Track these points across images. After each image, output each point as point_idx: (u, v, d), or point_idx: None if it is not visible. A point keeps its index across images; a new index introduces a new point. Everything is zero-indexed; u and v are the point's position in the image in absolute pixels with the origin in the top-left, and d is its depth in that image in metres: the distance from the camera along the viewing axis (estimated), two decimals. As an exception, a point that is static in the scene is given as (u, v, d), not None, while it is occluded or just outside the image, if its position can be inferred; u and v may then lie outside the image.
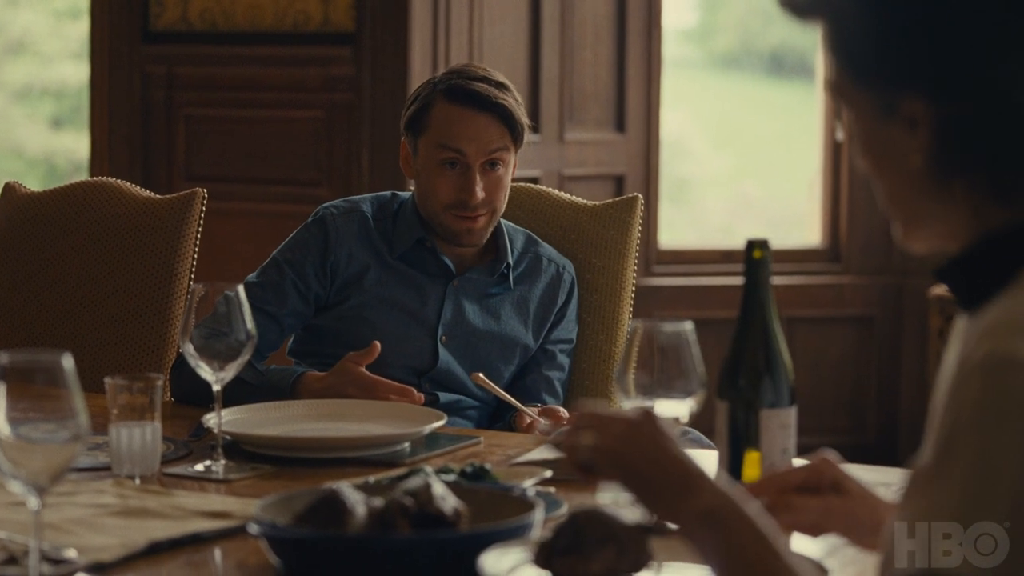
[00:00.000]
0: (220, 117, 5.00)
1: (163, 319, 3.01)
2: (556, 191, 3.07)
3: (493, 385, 2.60)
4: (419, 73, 4.71)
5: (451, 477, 1.98)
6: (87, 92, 5.20)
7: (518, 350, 2.80)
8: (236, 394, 2.41)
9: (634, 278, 2.94)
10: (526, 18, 5.04)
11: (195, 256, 3.06)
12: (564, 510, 1.86)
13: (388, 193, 2.87)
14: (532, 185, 3.10)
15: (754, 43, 6.85)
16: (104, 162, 5.07)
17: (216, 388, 2.17)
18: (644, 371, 1.77)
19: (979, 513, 1.13)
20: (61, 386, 1.50)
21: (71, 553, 1.70)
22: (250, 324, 2.16)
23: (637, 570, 1.50)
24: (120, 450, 2.10)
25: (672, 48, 5.79)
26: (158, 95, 5.04)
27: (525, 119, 2.75)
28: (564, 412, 2.52)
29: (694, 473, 1.42)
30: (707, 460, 1.58)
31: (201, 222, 3.07)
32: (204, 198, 3.08)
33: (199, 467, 2.16)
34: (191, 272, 3.05)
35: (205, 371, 2.16)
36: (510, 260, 2.80)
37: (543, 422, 2.47)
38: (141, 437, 2.10)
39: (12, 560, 1.68)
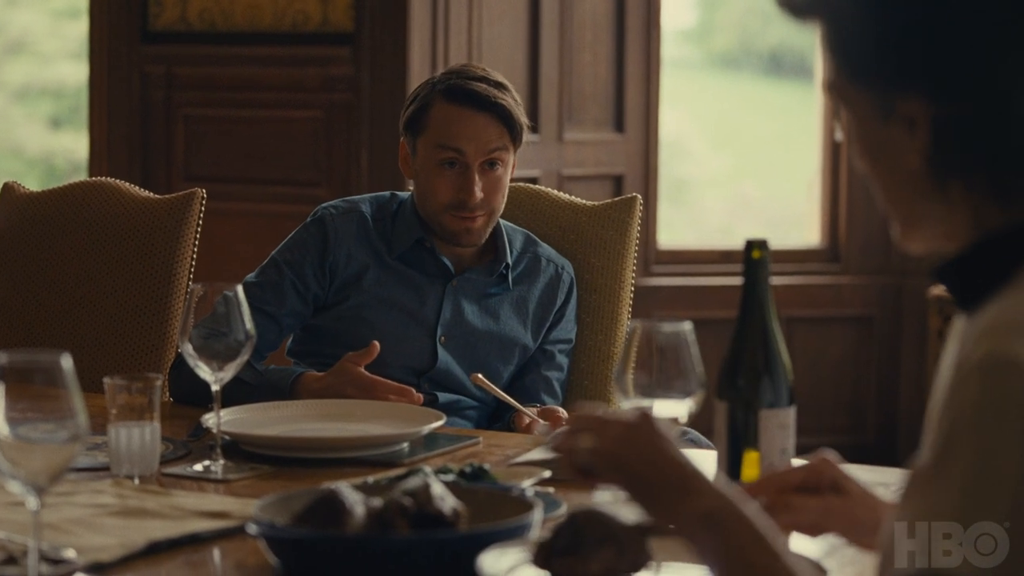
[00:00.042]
0: (219, 117, 5.00)
1: (162, 319, 3.01)
2: (555, 191, 3.07)
3: (492, 386, 2.60)
4: (418, 73, 4.71)
5: (450, 477, 1.98)
6: (86, 92, 5.20)
7: (517, 350, 2.80)
8: (235, 394, 2.41)
9: (633, 278, 2.94)
10: (525, 18, 5.04)
11: (194, 256, 3.06)
12: (563, 510, 1.86)
13: (387, 193, 2.87)
14: (531, 185, 3.10)
15: (753, 43, 6.85)
16: (103, 162, 5.07)
17: (215, 388, 2.17)
18: (643, 371, 1.77)
19: (979, 513, 1.14)
20: (60, 386, 1.50)
21: (70, 553, 1.70)
22: (249, 324, 2.16)
23: (636, 570, 1.50)
24: (119, 450, 2.10)
25: (671, 48, 5.79)
26: (157, 95, 5.04)
27: (524, 119, 2.75)
28: (563, 412, 2.52)
29: (692, 475, 1.41)
30: (706, 460, 1.58)
31: (200, 222, 3.07)
32: (203, 198, 3.08)
33: (198, 467, 2.16)
34: (190, 272, 3.05)
35: (204, 371, 2.16)
36: (509, 260, 2.80)
37: (542, 423, 2.47)
38: (140, 437, 2.10)
39: (11, 560, 1.68)
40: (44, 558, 1.66)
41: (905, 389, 5.39)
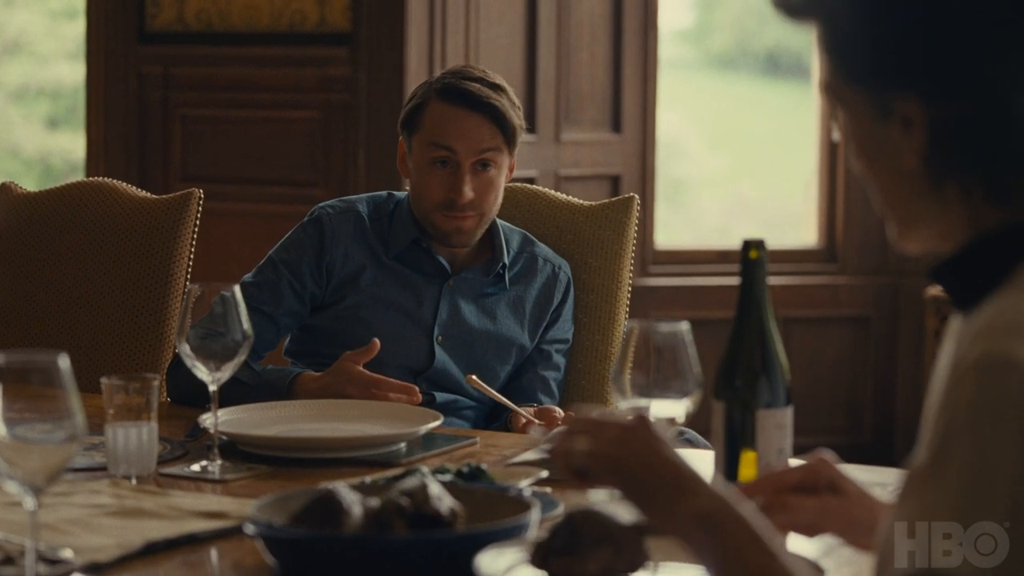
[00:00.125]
0: (216, 117, 5.00)
1: (159, 319, 3.01)
2: (552, 191, 3.07)
3: (487, 387, 2.59)
4: (415, 73, 4.71)
5: (447, 477, 1.98)
6: (83, 92, 5.20)
7: (514, 350, 2.80)
8: (232, 394, 2.41)
9: (630, 278, 2.94)
10: (522, 19, 5.04)
11: (191, 256, 3.06)
12: (560, 510, 1.86)
13: (384, 193, 2.87)
14: (528, 185, 3.10)
15: (750, 43, 6.85)
16: (100, 162, 5.07)
17: (212, 388, 2.17)
18: (640, 371, 1.77)
19: (978, 513, 1.14)
20: (57, 386, 1.50)
21: (67, 553, 1.70)
22: (246, 324, 2.16)
23: (633, 570, 1.50)
24: (116, 450, 2.10)
25: (668, 48, 5.79)
26: (154, 95, 5.04)
27: (519, 121, 2.74)
28: (560, 412, 2.52)
29: (688, 476, 1.41)
30: (703, 461, 1.58)
31: (197, 222, 3.07)
32: (200, 198, 3.08)
33: (195, 467, 2.16)
34: (187, 272, 3.05)
35: (201, 371, 2.16)
36: (506, 260, 2.80)
37: (537, 425, 2.47)
38: (137, 437, 2.10)
39: (9, 560, 1.68)
40: (41, 558, 1.66)
41: (902, 389, 5.39)
